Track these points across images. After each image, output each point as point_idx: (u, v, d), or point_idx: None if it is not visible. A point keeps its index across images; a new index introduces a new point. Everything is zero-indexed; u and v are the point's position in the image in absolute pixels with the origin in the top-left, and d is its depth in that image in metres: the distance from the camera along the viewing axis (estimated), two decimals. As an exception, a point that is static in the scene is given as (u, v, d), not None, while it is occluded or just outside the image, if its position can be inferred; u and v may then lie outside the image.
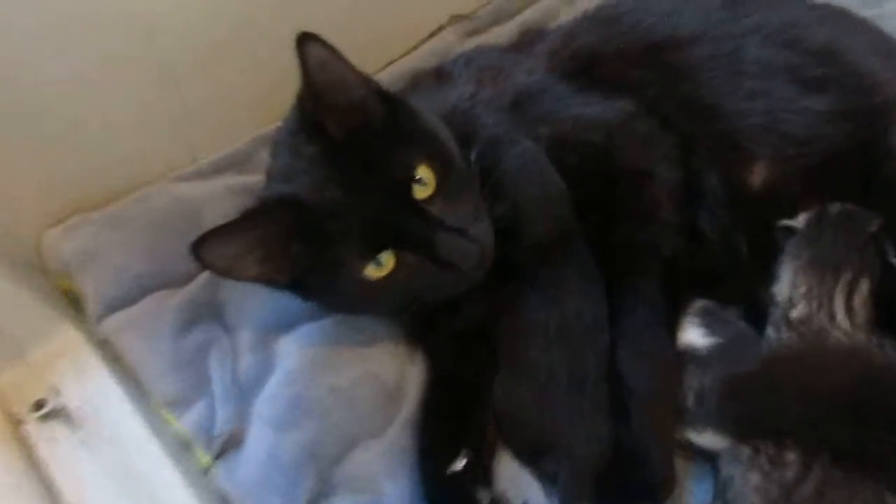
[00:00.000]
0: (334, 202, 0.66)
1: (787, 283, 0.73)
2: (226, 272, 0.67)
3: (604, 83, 0.82)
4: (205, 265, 0.65)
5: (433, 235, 0.66)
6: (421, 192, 0.68)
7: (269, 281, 0.71)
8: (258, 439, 0.76)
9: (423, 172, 0.68)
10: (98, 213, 0.91)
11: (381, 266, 0.68)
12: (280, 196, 0.69)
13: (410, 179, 0.67)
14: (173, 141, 0.97)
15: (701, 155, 0.77)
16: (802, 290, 0.72)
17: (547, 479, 0.71)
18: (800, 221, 0.73)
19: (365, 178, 0.66)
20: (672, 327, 0.74)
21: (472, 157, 0.74)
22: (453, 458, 0.71)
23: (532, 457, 0.71)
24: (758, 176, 0.76)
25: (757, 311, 0.75)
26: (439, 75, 0.90)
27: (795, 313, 0.71)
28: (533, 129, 0.78)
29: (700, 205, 0.77)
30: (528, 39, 0.96)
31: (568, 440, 0.67)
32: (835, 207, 0.72)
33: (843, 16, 0.83)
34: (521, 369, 0.71)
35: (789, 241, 0.73)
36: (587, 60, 0.85)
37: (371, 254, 0.67)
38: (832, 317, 0.70)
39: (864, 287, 0.70)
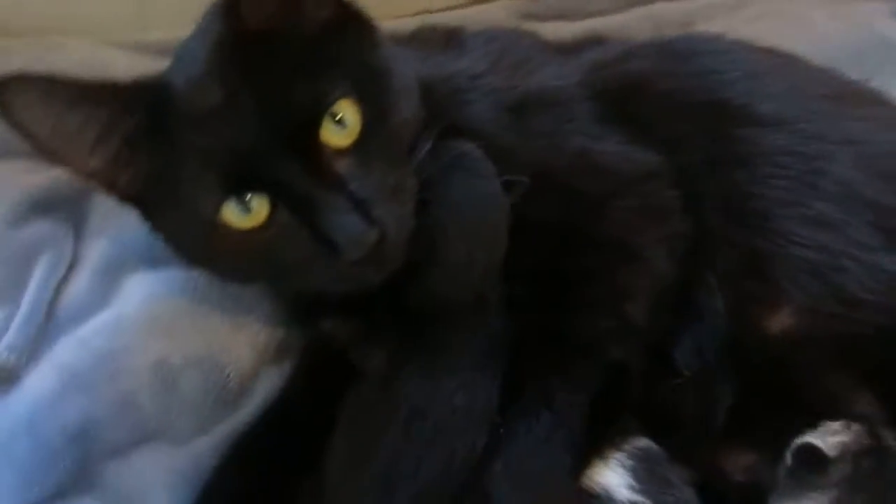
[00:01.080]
0: (209, 107, 0.48)
1: None
2: (34, 137, 0.48)
3: (637, 124, 0.63)
4: (2, 110, 0.47)
5: (322, 195, 0.48)
6: (333, 137, 0.49)
7: (106, 185, 0.53)
8: (37, 386, 0.58)
9: (347, 113, 0.50)
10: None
11: (248, 214, 0.49)
12: (146, 80, 0.51)
13: (323, 112, 0.49)
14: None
15: (716, 268, 0.57)
16: None
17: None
18: (828, 442, 0.52)
19: (263, 90, 0.48)
20: (580, 460, 0.54)
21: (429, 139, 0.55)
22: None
23: None
24: (779, 323, 0.55)
25: (716, 490, 0.56)
26: (450, 38, 0.70)
27: None
28: (523, 144, 0.58)
29: (687, 330, 0.57)
30: (580, 44, 0.76)
31: None
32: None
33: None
34: (362, 448, 0.52)
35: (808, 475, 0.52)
36: (630, 89, 0.65)
37: (234, 191, 0.49)
38: None
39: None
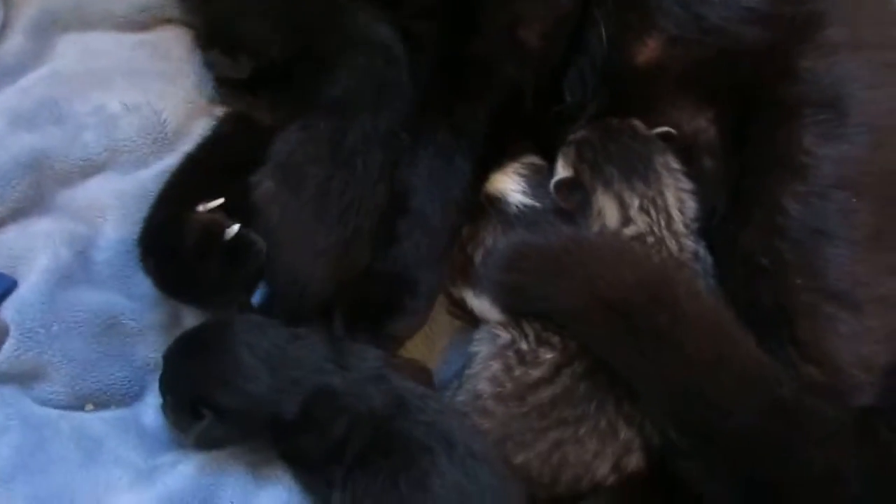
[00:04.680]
0: None
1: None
2: None
3: None
4: None
5: None
6: None
7: None
8: (-15, 127, 0.64)
9: None
10: None
11: None
12: None
13: None
14: None
15: (603, 7, 0.64)
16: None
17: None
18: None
19: None
20: (481, 166, 0.63)
21: None
22: (204, 200, 0.61)
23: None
24: (646, 53, 0.63)
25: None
26: None
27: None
28: None
29: (574, 63, 0.65)
30: None
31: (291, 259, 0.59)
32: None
33: None
34: (305, 152, 0.60)
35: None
36: None
37: None
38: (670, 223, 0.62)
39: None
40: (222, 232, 0.60)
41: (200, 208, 0.62)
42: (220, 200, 0.62)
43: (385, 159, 0.62)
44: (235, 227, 0.60)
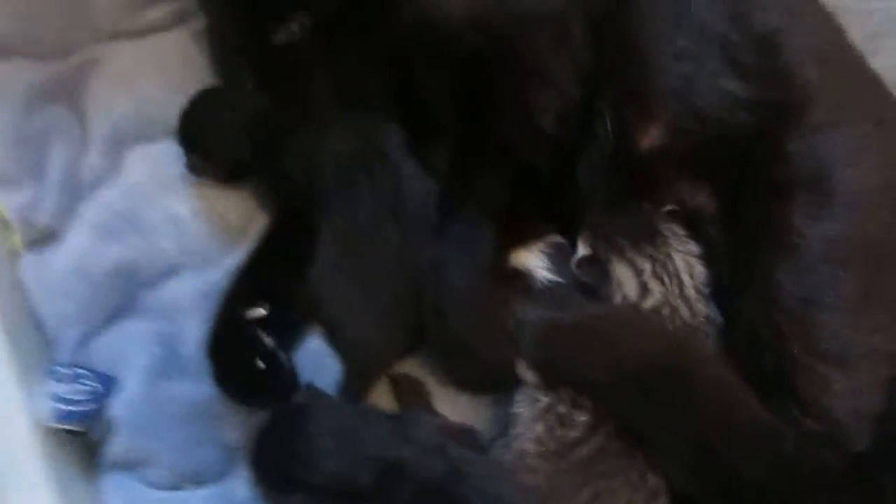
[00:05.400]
0: None
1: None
2: None
3: None
4: None
5: None
6: None
7: None
8: (76, 241, 0.73)
9: None
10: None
11: None
12: None
13: None
14: None
15: (607, 95, 0.72)
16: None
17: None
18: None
19: None
20: (506, 240, 0.72)
21: None
22: (254, 306, 0.70)
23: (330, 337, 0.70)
24: (649, 139, 0.71)
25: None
26: None
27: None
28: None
29: (585, 149, 0.73)
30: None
31: (350, 323, 0.68)
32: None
33: (808, 5, 0.77)
34: (335, 245, 0.69)
35: None
36: None
37: None
38: (682, 289, 0.70)
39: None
40: (257, 340, 0.69)
41: (247, 315, 0.70)
42: (263, 312, 0.70)
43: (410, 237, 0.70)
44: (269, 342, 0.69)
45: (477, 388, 0.73)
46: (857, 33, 0.94)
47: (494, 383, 0.71)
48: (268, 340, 0.68)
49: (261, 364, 0.68)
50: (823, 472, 0.58)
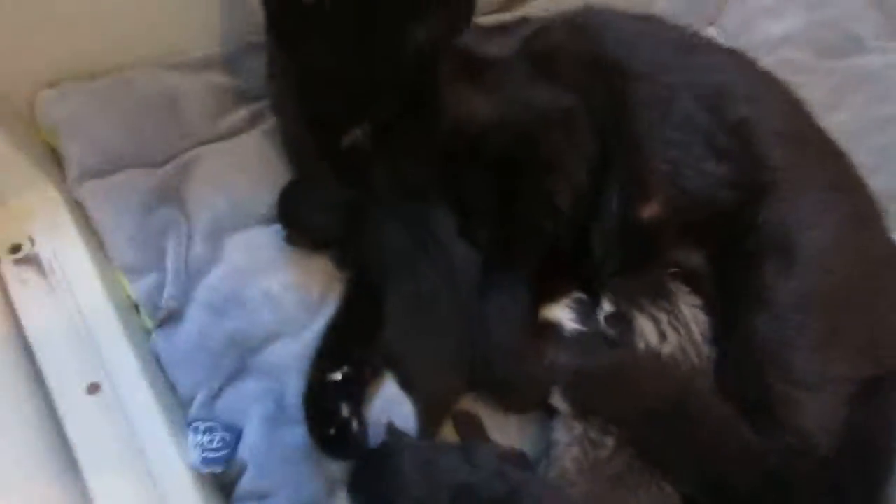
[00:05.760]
0: None
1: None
2: None
3: (558, 78, 0.93)
4: None
5: None
6: None
7: None
8: (194, 319, 0.91)
9: None
10: (92, 84, 1.00)
11: None
12: None
13: None
14: (172, 28, 1.05)
15: (612, 177, 0.89)
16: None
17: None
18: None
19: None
20: (539, 299, 0.89)
21: None
22: (335, 368, 0.86)
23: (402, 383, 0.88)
24: (649, 212, 0.89)
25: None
26: None
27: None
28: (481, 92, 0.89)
29: (596, 223, 0.90)
30: (515, 23, 1.05)
31: (420, 373, 0.85)
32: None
33: (771, 87, 0.93)
34: (404, 310, 0.87)
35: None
36: (551, 54, 0.95)
37: None
38: (690, 336, 0.87)
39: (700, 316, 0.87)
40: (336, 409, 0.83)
41: (329, 378, 0.84)
42: (339, 376, 0.85)
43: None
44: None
45: (521, 411, 0.90)
46: (821, 90, 1.13)
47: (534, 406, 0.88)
48: (345, 411, 0.82)
49: (332, 431, 0.82)
50: (801, 480, 0.75)
